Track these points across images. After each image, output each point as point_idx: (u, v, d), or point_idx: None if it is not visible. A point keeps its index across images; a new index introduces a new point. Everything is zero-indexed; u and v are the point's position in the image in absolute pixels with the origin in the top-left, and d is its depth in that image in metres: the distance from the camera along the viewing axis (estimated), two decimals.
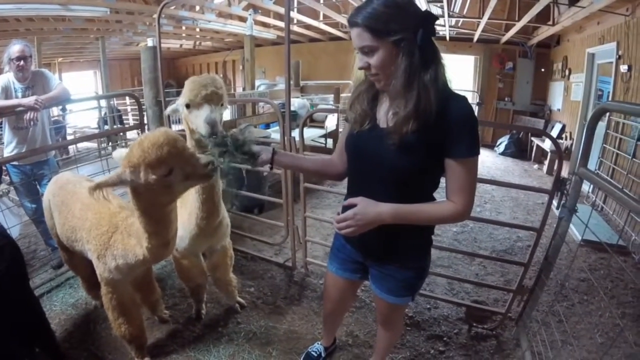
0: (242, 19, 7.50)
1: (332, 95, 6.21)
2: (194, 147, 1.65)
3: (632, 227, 3.61)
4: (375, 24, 1.07)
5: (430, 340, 2.26)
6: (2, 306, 1.54)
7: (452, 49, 8.26)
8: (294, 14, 7.81)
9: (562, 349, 2.10)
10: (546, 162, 6.46)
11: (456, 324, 2.40)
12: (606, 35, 5.00)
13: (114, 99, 8.18)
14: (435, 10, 5.96)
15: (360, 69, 1.17)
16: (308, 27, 8.81)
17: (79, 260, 2.13)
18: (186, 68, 14.05)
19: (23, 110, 2.47)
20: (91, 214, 1.74)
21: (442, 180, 1.25)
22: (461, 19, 7.26)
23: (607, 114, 4.38)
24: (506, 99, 8.45)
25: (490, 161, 7.30)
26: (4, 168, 2.96)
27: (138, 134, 3.18)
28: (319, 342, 2.07)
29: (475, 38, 7.78)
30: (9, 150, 2.71)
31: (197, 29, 8.67)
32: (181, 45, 11.26)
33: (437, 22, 1.10)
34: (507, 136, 7.87)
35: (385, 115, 1.21)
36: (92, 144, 7.16)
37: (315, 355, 2.02)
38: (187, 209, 1.85)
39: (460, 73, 8.86)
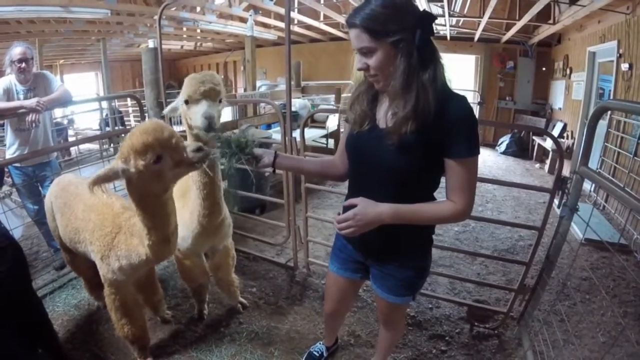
0: (243, 20, 7.51)
1: (333, 96, 6.21)
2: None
3: (634, 226, 3.60)
4: (373, 25, 1.07)
5: (432, 340, 2.26)
6: (5, 307, 1.55)
7: (453, 48, 8.25)
8: (295, 15, 7.82)
9: (564, 348, 2.10)
10: (548, 161, 6.45)
11: (458, 323, 2.40)
12: (607, 34, 4.99)
13: (116, 100, 8.21)
14: (435, 9, 5.95)
15: (359, 69, 1.18)
16: (309, 27, 8.81)
17: (81, 261, 2.14)
18: (187, 69, 14.04)
19: (25, 112, 2.48)
20: (94, 215, 1.74)
21: (443, 179, 1.25)
22: (462, 19, 7.25)
23: (609, 112, 4.37)
24: (507, 98, 8.44)
25: (491, 160, 7.30)
26: (6, 170, 2.97)
27: None
28: (321, 342, 2.08)
29: (476, 37, 7.77)
30: (11, 152, 2.72)
31: (198, 30, 8.67)
32: (182, 47, 11.27)
33: (437, 21, 1.11)
34: (509, 135, 7.86)
35: (384, 115, 1.21)
36: (93, 146, 7.17)
37: (317, 355, 2.03)
38: (188, 208, 1.86)
39: (461, 72, 8.86)
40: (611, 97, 4.90)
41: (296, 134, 2.62)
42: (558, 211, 1.98)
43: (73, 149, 6.89)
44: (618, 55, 4.58)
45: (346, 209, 1.22)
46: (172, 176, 1.38)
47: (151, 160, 1.29)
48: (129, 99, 8.71)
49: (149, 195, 1.42)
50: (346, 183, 1.44)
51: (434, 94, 1.08)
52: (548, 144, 6.51)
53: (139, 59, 6.55)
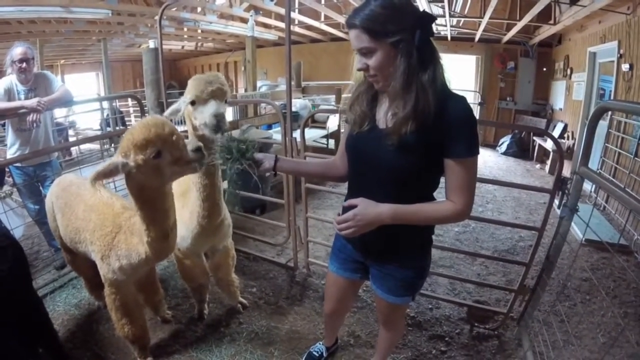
0: (244, 20, 7.51)
1: (334, 96, 6.21)
2: None
3: (634, 226, 3.60)
4: (372, 26, 1.08)
5: (432, 340, 2.26)
6: (6, 307, 1.55)
7: (454, 48, 8.25)
8: (295, 15, 7.82)
9: (564, 349, 2.10)
10: (548, 162, 6.45)
11: (458, 324, 2.40)
12: (607, 34, 4.99)
13: (116, 100, 8.21)
14: (436, 10, 5.95)
15: (359, 70, 1.18)
16: (309, 27, 8.81)
17: (81, 261, 2.14)
18: (188, 69, 14.08)
19: (26, 112, 2.49)
20: (95, 215, 1.75)
21: (442, 180, 1.25)
22: (462, 19, 7.24)
23: (609, 113, 4.37)
24: (508, 98, 8.43)
25: (492, 161, 7.29)
26: (7, 170, 2.97)
27: None
28: (321, 342, 2.08)
29: (477, 38, 7.77)
30: (12, 152, 2.73)
31: (199, 30, 8.68)
32: (183, 47, 11.29)
33: (438, 22, 1.11)
34: (509, 136, 7.86)
35: (384, 116, 1.21)
36: (94, 146, 7.18)
37: (317, 355, 2.03)
38: (188, 208, 1.86)
39: (462, 73, 8.86)
40: (612, 97, 4.89)
41: (296, 134, 2.62)
42: (558, 212, 1.98)
43: (74, 149, 6.90)
44: (619, 55, 4.57)
45: (346, 209, 1.22)
46: (170, 173, 1.39)
47: (151, 155, 1.30)
48: (129, 99, 8.72)
49: (148, 190, 1.42)
50: (347, 183, 1.45)
51: (434, 94, 1.09)
52: (549, 144, 6.51)
53: (139, 59, 6.58)
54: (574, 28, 6.18)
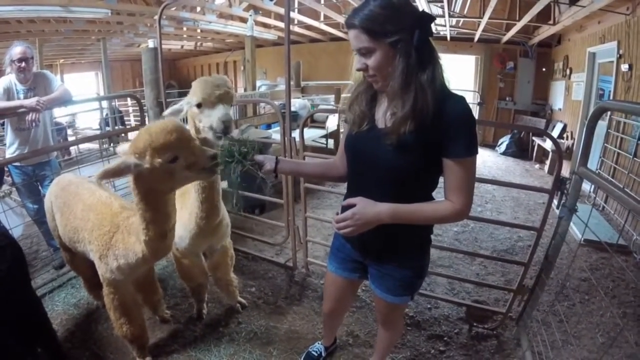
0: (243, 20, 7.51)
1: (333, 96, 6.22)
2: None
3: (634, 226, 3.60)
4: (372, 26, 1.08)
5: (430, 340, 2.26)
6: (4, 306, 1.55)
7: (453, 48, 8.25)
8: (295, 15, 7.82)
9: (562, 349, 2.10)
10: (547, 162, 6.46)
11: (457, 323, 2.41)
12: (607, 35, 5.00)
13: (116, 100, 8.21)
14: (435, 10, 5.95)
15: (358, 70, 1.18)
16: (309, 27, 8.81)
17: (80, 260, 2.14)
18: (187, 69, 14.07)
19: (25, 111, 2.49)
20: (93, 214, 1.75)
21: (441, 179, 1.25)
22: (462, 19, 7.24)
23: (608, 113, 4.37)
24: (507, 98, 8.44)
25: (491, 161, 7.30)
26: (6, 169, 2.97)
27: None
28: (320, 342, 2.08)
29: (476, 38, 7.77)
30: (11, 152, 2.72)
31: (198, 30, 8.67)
32: (182, 47, 11.27)
33: (437, 22, 1.11)
34: (508, 136, 7.86)
35: (383, 115, 1.21)
36: (93, 145, 7.17)
37: (316, 354, 2.03)
38: (187, 209, 1.86)
39: (461, 73, 8.86)
40: (611, 97, 4.90)
41: (295, 134, 2.62)
42: (557, 212, 1.98)
43: (73, 149, 6.90)
44: (618, 55, 4.58)
45: (345, 208, 1.22)
46: (182, 178, 1.39)
47: (168, 159, 1.30)
48: (129, 99, 8.71)
49: (155, 191, 1.42)
50: (346, 183, 1.45)
51: (433, 94, 1.09)
52: (548, 144, 6.52)
53: (139, 58, 6.56)
54: (573, 28, 6.18)
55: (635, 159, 3.90)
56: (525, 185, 3.95)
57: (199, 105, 1.63)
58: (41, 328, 1.83)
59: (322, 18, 8.48)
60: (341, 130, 5.77)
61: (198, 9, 6.74)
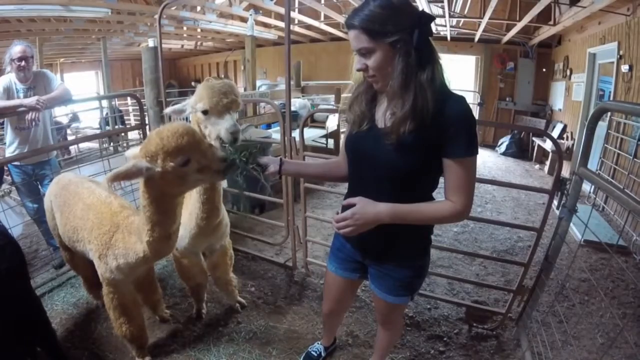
0: (243, 20, 7.51)
1: (333, 96, 6.21)
2: None
3: (634, 227, 3.60)
4: (371, 26, 1.08)
5: (430, 341, 2.26)
6: (3, 305, 1.55)
7: (453, 49, 8.26)
8: (295, 15, 7.82)
9: (562, 350, 2.10)
10: (547, 162, 6.46)
11: (456, 324, 2.41)
12: (607, 35, 5.00)
13: (116, 99, 8.20)
14: (435, 10, 5.95)
15: (358, 70, 1.18)
16: (309, 27, 8.82)
17: (80, 260, 2.14)
18: (187, 68, 14.07)
19: (25, 110, 2.48)
20: (93, 214, 1.75)
21: (442, 180, 1.25)
22: (462, 19, 7.25)
23: (609, 114, 4.38)
24: (507, 99, 8.44)
25: (491, 161, 7.30)
26: (5, 168, 2.96)
27: (139, 134, 3.19)
28: (319, 342, 2.08)
29: (476, 38, 7.77)
30: (10, 151, 2.72)
31: (198, 30, 8.67)
32: (182, 46, 11.28)
33: (438, 22, 1.11)
34: (509, 136, 7.87)
35: (383, 115, 1.21)
36: (93, 144, 7.18)
37: (315, 354, 2.03)
38: (187, 209, 1.86)
39: (462, 73, 8.86)
40: (611, 98, 4.90)
41: (296, 133, 2.62)
42: (557, 212, 1.98)
43: (73, 148, 6.90)
44: (618, 56, 4.58)
45: (345, 208, 1.22)
46: (193, 181, 1.38)
47: (180, 162, 1.29)
48: (129, 98, 8.72)
49: (166, 194, 1.42)
50: (346, 183, 1.45)
51: (433, 94, 1.09)
52: (548, 145, 6.52)
53: (139, 58, 6.56)
54: (573, 29, 6.18)
55: (635, 159, 3.90)
56: (525, 186, 3.94)
57: (205, 112, 1.62)
58: (40, 327, 1.83)
59: (322, 18, 8.48)
60: (342, 130, 5.78)
61: (198, 8, 6.75)
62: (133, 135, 7.37)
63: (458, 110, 1.11)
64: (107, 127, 7.16)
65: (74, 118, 7.57)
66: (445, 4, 5.64)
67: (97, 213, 1.73)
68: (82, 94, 9.86)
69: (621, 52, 4.54)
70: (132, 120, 9.24)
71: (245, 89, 5.78)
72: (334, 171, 1.50)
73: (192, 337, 2.22)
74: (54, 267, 2.87)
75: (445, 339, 2.28)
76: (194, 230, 1.86)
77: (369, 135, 1.23)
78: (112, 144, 6.92)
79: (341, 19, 7.33)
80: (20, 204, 2.98)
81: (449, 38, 7.95)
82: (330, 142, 6.03)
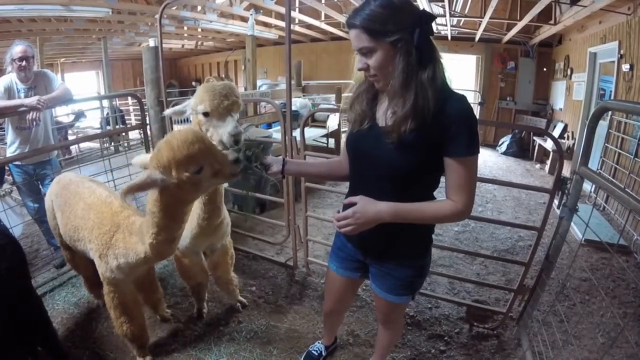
0: (244, 19, 7.51)
1: (334, 95, 6.21)
2: None
3: (634, 227, 3.60)
4: (372, 25, 1.08)
5: (431, 340, 2.26)
6: (5, 305, 1.56)
7: (454, 48, 8.25)
8: (296, 14, 7.82)
9: (563, 349, 2.10)
10: (548, 162, 6.45)
11: (457, 323, 2.41)
12: (608, 35, 4.99)
13: (116, 99, 8.21)
14: (436, 9, 5.94)
15: (359, 70, 1.18)
16: (310, 27, 8.82)
17: (81, 259, 2.14)
18: (188, 68, 14.08)
19: (25, 110, 2.49)
20: (93, 213, 1.75)
21: (443, 179, 1.25)
22: (463, 19, 7.24)
23: (609, 113, 4.37)
24: (508, 98, 8.44)
25: (492, 161, 7.30)
26: (6, 168, 2.96)
27: (140, 134, 3.19)
28: (320, 341, 2.08)
29: (477, 37, 7.77)
30: (11, 150, 2.72)
31: (199, 29, 8.67)
32: (183, 46, 11.28)
33: (439, 21, 1.11)
34: (509, 136, 7.86)
35: (384, 114, 1.21)
36: (94, 144, 7.18)
37: (316, 354, 2.03)
38: None
39: (462, 72, 8.86)
40: (612, 97, 4.89)
41: (296, 133, 2.62)
42: (558, 212, 1.98)
43: (73, 147, 6.90)
44: (619, 56, 4.57)
45: (346, 207, 1.22)
46: (207, 185, 1.38)
47: (194, 171, 1.28)
48: (129, 98, 8.72)
49: (180, 201, 1.41)
50: (347, 182, 1.45)
51: (433, 93, 1.09)
52: (548, 144, 6.51)
53: (139, 57, 6.56)
54: (574, 28, 6.18)
55: (636, 159, 3.89)
56: (526, 185, 3.94)
57: (205, 114, 1.62)
58: (41, 327, 1.84)
59: (323, 17, 8.48)
60: (342, 129, 5.78)
61: (199, 8, 6.75)
62: (134, 135, 7.39)
63: (459, 109, 1.11)
64: (108, 127, 7.17)
65: (80, 114, 7.55)
66: (446, 3, 5.63)
67: (97, 212, 1.74)
68: (82, 93, 9.87)
69: (622, 52, 4.53)
70: (132, 119, 9.25)
71: (245, 89, 5.78)
72: (336, 170, 1.50)
73: (193, 336, 2.22)
74: (55, 267, 2.87)
75: (446, 338, 2.28)
76: (195, 230, 1.86)
77: (370, 134, 1.23)
78: (112, 143, 6.92)
79: (342, 18, 7.33)
80: (21, 204, 2.99)
81: (449, 37, 7.94)
82: (331, 141, 6.03)
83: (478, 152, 1.14)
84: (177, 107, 1.77)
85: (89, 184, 1.97)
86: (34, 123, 2.58)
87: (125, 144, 6.93)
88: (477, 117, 1.17)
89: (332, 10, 7.32)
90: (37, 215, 2.82)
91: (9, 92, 2.57)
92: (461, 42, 8.28)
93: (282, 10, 6.15)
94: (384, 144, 1.16)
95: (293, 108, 2.73)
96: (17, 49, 2.54)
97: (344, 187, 1.47)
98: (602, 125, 4.50)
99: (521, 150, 7.68)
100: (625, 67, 4.37)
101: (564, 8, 5.52)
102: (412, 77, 1.09)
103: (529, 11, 5.52)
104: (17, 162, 2.72)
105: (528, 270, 2.18)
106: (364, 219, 1.16)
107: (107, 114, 7.28)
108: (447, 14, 6.14)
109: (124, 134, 7.49)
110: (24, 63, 2.54)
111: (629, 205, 1.44)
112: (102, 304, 2.27)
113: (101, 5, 5.51)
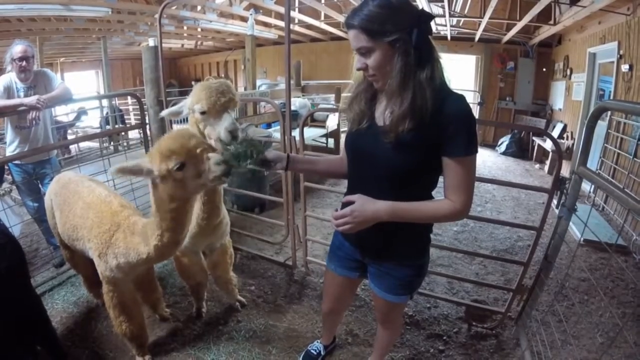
0: (244, 19, 7.51)
1: (333, 95, 6.21)
2: None
3: (633, 227, 3.60)
4: (370, 26, 1.08)
5: (429, 339, 2.26)
6: (4, 304, 1.56)
7: (454, 48, 8.25)
8: (295, 14, 7.82)
9: (561, 349, 2.10)
10: (547, 162, 6.45)
11: (456, 323, 2.41)
12: (607, 35, 4.99)
13: (116, 98, 8.21)
14: (436, 9, 5.94)
15: (358, 69, 1.19)
16: (309, 27, 8.82)
17: (80, 258, 2.14)
18: (188, 68, 14.07)
19: (25, 109, 2.49)
20: (92, 212, 1.75)
21: (441, 179, 1.25)
22: (462, 19, 7.24)
23: (609, 113, 4.38)
24: (507, 98, 8.44)
25: (491, 161, 7.30)
26: (6, 167, 2.96)
27: (139, 133, 3.20)
28: (319, 341, 2.08)
29: (477, 38, 7.77)
30: (11, 150, 2.72)
31: (199, 29, 8.67)
32: (182, 45, 11.28)
33: (438, 21, 1.11)
34: (509, 136, 7.87)
35: (382, 114, 1.22)
36: (93, 144, 7.18)
37: (315, 353, 2.03)
38: None
39: (462, 73, 8.86)
40: (611, 98, 4.90)
41: (296, 133, 2.62)
42: (557, 211, 1.98)
43: (73, 147, 6.90)
44: (618, 56, 4.58)
45: (344, 205, 1.22)
46: (194, 186, 1.38)
47: (174, 167, 1.30)
48: (129, 97, 8.72)
49: (168, 198, 1.42)
50: (345, 182, 1.45)
51: (432, 92, 1.09)
52: (548, 144, 6.52)
53: (139, 57, 6.55)
54: (573, 28, 6.18)
55: (635, 159, 3.90)
56: (525, 185, 3.94)
57: (203, 112, 1.63)
58: (41, 326, 1.84)
59: (322, 17, 8.48)
60: (342, 129, 5.78)
61: (198, 7, 6.75)
62: (133, 134, 7.38)
63: (457, 109, 1.11)
64: (108, 126, 7.17)
65: (82, 112, 7.54)
66: (446, 3, 5.63)
67: (97, 212, 1.74)
68: (82, 93, 9.87)
69: (621, 52, 4.53)
70: (132, 119, 9.24)
71: (245, 89, 5.79)
72: (338, 168, 1.50)
73: (192, 335, 2.22)
74: (54, 266, 2.88)
75: (444, 337, 2.28)
76: (194, 229, 1.86)
77: (368, 133, 1.23)
78: (112, 143, 6.92)
79: (341, 18, 7.32)
80: (21, 203, 2.99)
81: (449, 37, 7.94)
82: (331, 141, 6.03)
83: (476, 152, 1.14)
84: (173, 108, 1.77)
85: (89, 183, 1.97)
86: (34, 122, 2.58)
87: (125, 144, 6.93)
88: (477, 117, 1.18)
89: (332, 10, 7.33)
90: (36, 215, 2.82)
91: (9, 92, 2.57)
92: (461, 42, 8.28)
93: (282, 10, 6.15)
94: (382, 143, 1.16)
95: (292, 108, 2.73)
96: (18, 48, 2.54)
97: (343, 186, 1.48)
98: (602, 126, 4.50)
99: (520, 150, 7.68)
100: (625, 67, 4.38)
101: (563, 8, 5.52)
102: (410, 76, 1.09)
103: (528, 11, 5.52)
104: (16, 161, 2.72)
105: (527, 270, 2.18)
106: (361, 217, 1.16)
107: (107, 113, 7.28)
108: (447, 14, 6.14)
109: (123, 133, 7.48)
110: (24, 63, 2.54)
111: (627, 205, 1.44)
112: (102, 303, 2.27)
113: (101, 4, 5.50)
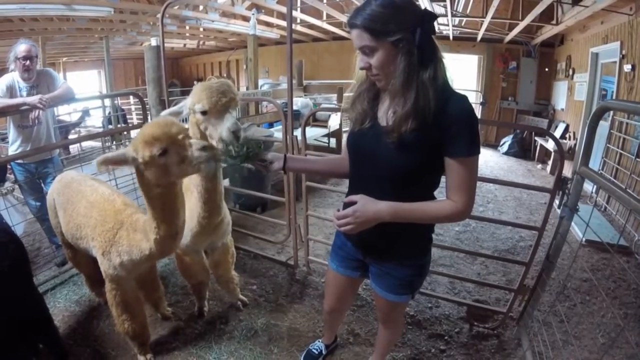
0: (246, 19, 7.51)
1: (335, 95, 6.22)
2: None
3: (635, 227, 3.59)
4: (373, 25, 1.08)
5: (431, 339, 2.26)
6: (6, 303, 1.56)
7: (456, 48, 8.23)
8: (297, 14, 7.82)
9: (563, 349, 2.10)
10: (550, 162, 6.44)
11: (457, 323, 2.41)
12: (610, 35, 4.98)
13: (118, 98, 8.22)
14: (438, 9, 5.93)
15: (361, 69, 1.18)
16: (311, 26, 8.81)
17: (82, 257, 2.15)
18: (190, 67, 14.09)
19: (28, 108, 2.49)
20: (96, 211, 1.76)
21: (443, 179, 1.25)
22: (464, 19, 7.23)
23: (611, 113, 4.37)
24: (510, 98, 8.42)
25: (493, 161, 7.29)
26: (8, 166, 2.97)
27: None
28: (320, 340, 2.08)
29: (479, 37, 7.76)
30: (13, 149, 2.74)
31: (201, 29, 8.68)
32: (185, 45, 11.29)
33: (440, 21, 1.11)
34: (511, 136, 7.85)
35: (385, 113, 1.21)
36: (96, 143, 7.19)
37: (316, 352, 2.03)
38: (189, 208, 1.86)
39: (464, 72, 8.85)
40: (614, 98, 4.88)
41: (298, 132, 2.62)
42: (559, 212, 1.98)
43: (75, 146, 6.91)
44: (621, 56, 4.57)
45: (346, 205, 1.22)
46: (178, 172, 1.39)
47: (157, 152, 1.32)
48: (131, 97, 8.73)
49: (157, 188, 1.43)
50: (347, 182, 1.45)
51: (435, 92, 1.09)
52: (550, 144, 6.50)
53: (141, 57, 6.58)
54: (576, 28, 6.17)
55: (637, 159, 3.89)
56: (527, 185, 3.92)
57: (204, 112, 1.62)
58: (43, 325, 1.84)
59: (324, 17, 8.48)
60: (344, 129, 5.78)
61: (201, 7, 6.75)
62: (135, 134, 7.39)
63: (460, 109, 1.11)
64: (110, 126, 7.18)
65: (85, 112, 7.55)
66: (448, 3, 5.63)
67: (100, 210, 1.75)
68: (84, 92, 9.88)
69: (624, 52, 4.52)
70: (134, 119, 9.26)
71: (247, 88, 5.79)
72: (338, 168, 1.50)
73: (193, 334, 2.23)
74: (57, 265, 2.88)
75: (446, 337, 2.28)
76: (195, 228, 1.87)
77: (371, 133, 1.23)
78: (114, 142, 6.93)
79: (344, 18, 7.33)
80: (23, 202, 2.99)
81: (451, 37, 7.92)
82: (333, 141, 6.03)
83: (479, 152, 1.14)
84: (173, 108, 1.77)
85: (91, 182, 1.98)
86: (36, 121, 2.59)
87: (127, 143, 6.93)
88: (479, 117, 1.18)
89: (334, 10, 7.32)
90: (38, 214, 2.83)
91: (11, 91, 2.58)
92: (463, 42, 8.26)
93: (284, 9, 6.16)
94: (385, 143, 1.16)
95: (294, 107, 2.73)
96: (22, 48, 2.55)
97: (345, 186, 1.48)
98: (604, 126, 4.49)
99: (523, 150, 7.67)
100: (627, 67, 4.37)
101: (565, 8, 5.51)
102: (414, 76, 1.09)
103: (530, 11, 5.51)
104: (19, 161, 2.73)
105: (528, 270, 2.18)
106: (363, 218, 1.16)
107: (109, 113, 7.29)
108: (449, 14, 6.13)
109: (125, 133, 7.49)
110: (27, 62, 2.55)
111: (629, 205, 1.44)
112: (104, 302, 2.28)
113: (103, 4, 5.52)
